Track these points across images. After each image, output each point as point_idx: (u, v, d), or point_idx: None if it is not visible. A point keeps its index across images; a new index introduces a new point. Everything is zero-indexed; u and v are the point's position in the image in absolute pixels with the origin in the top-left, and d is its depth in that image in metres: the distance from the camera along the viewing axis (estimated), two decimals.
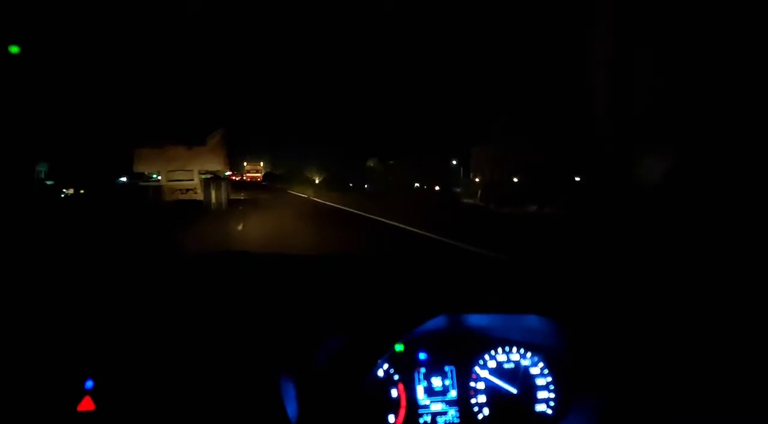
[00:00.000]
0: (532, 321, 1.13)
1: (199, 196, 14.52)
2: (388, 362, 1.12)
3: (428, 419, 1.14)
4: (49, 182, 17.93)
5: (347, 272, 1.38)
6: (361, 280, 1.27)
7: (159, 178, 14.29)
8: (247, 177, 61.19)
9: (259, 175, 61.22)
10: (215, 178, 15.38)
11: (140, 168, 14.15)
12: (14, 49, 10.48)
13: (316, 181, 38.52)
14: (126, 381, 0.95)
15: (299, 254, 1.58)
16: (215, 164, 14.86)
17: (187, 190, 14.57)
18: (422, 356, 1.16)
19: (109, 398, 0.95)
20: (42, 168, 18.73)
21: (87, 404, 0.95)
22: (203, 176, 14.80)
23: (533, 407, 1.17)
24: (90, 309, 1.04)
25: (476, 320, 1.16)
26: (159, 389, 0.94)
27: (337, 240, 8.51)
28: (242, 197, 25.22)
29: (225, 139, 16.25)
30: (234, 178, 67.13)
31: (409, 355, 1.16)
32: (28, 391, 0.92)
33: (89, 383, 0.95)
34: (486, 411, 1.16)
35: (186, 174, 14.31)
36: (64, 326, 1.00)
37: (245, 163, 66.09)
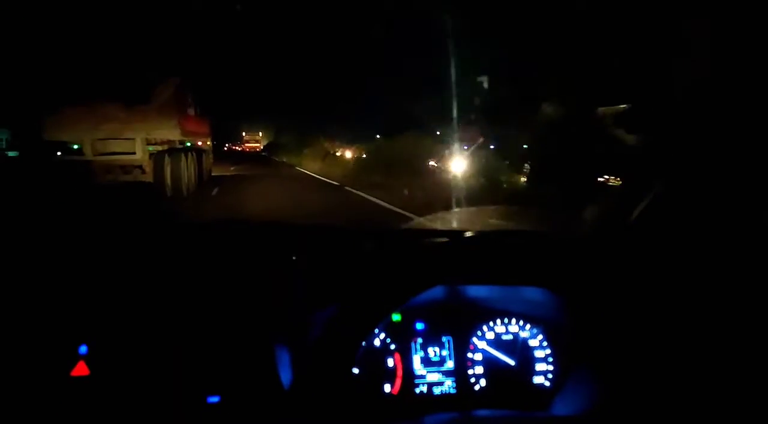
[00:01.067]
0: (532, 293, 1.20)
1: (148, 176, 11.05)
2: (384, 332, 1.21)
3: (424, 389, 1.22)
4: (11, 153, 14.26)
5: (344, 241, 1.45)
6: (358, 249, 1.35)
7: (82, 150, 10.69)
8: (246, 147, 64.18)
9: (258, 145, 64.03)
10: (174, 151, 12.00)
11: (54, 135, 10.55)
12: None
13: (347, 156, 28.74)
14: (120, 347, 1.04)
15: (296, 223, 1.71)
16: (169, 130, 11.57)
17: (128, 168, 11.03)
18: (419, 326, 1.24)
19: (103, 364, 1.03)
20: (2, 136, 15.25)
21: (81, 369, 1.02)
22: (152, 148, 11.28)
23: (531, 379, 1.25)
24: (84, 274, 1.13)
25: (475, 290, 1.24)
26: (153, 355, 1.03)
27: None
28: (231, 172, 22.04)
29: (184, 94, 13.07)
30: (235, 148, 63.12)
31: (406, 325, 1.23)
32: (22, 356, 1.01)
33: (83, 349, 1.03)
34: (483, 382, 1.24)
35: (124, 144, 10.90)
36: (58, 291, 1.08)
37: (243, 133, 68.32)
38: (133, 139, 10.50)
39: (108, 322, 1.06)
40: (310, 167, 25.81)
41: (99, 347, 1.04)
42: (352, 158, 27.31)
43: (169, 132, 11.30)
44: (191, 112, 14.03)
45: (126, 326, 1.05)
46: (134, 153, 10.56)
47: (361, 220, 9.21)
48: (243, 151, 59.06)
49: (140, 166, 10.74)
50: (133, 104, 10.28)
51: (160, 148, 11.08)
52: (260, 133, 66.91)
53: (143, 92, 10.46)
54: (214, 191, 12.82)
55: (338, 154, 29.72)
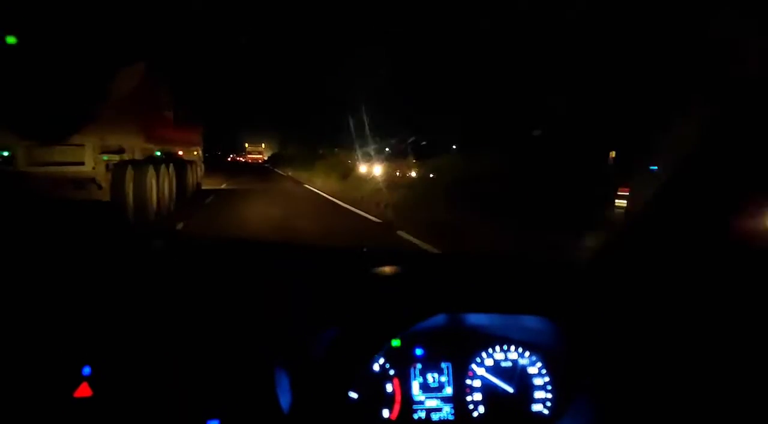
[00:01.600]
0: (531, 321, 1.27)
1: (105, 194, 8.45)
2: (384, 357, 1.28)
3: (423, 415, 1.28)
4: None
5: (347, 264, 1.50)
6: (361, 273, 1.40)
7: (13, 159, 8.07)
8: (249, 158, 65.58)
9: (261, 156, 66.31)
10: (138, 163, 9.48)
11: None
12: None
13: (376, 173, 20.35)
14: (123, 368, 1.09)
15: (299, 244, 1.77)
16: (132, 134, 9.13)
17: (81, 182, 8.28)
18: (419, 351, 1.30)
19: (106, 385, 1.08)
20: None
21: (84, 391, 1.06)
22: (108, 157, 8.59)
23: (529, 406, 1.31)
24: (88, 296, 1.18)
25: (475, 318, 1.31)
26: (155, 376, 1.09)
27: None
28: (222, 186, 19.55)
29: (156, 88, 10.64)
30: (239, 159, 62.20)
31: (406, 350, 1.29)
32: (25, 377, 1.06)
33: (86, 370, 1.08)
34: (481, 409, 1.30)
35: (71, 152, 8.19)
36: (62, 313, 1.14)
37: (246, 144, 69.99)
38: (82, 145, 8.32)
39: (111, 343, 1.11)
40: (325, 187, 19.94)
41: (102, 368, 1.09)
42: (400, 177, 20.90)
43: (133, 137, 8.89)
44: (167, 113, 11.31)
45: (128, 347, 1.11)
46: (83, 163, 8.35)
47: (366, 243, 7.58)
48: (246, 162, 61.28)
49: (94, 180, 8.49)
50: (83, 99, 7.96)
51: (117, 158, 8.65)
52: (263, 144, 69.25)
53: (97, 83, 8.11)
54: (190, 220, 10.27)
55: (364, 170, 22.30)
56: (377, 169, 20.27)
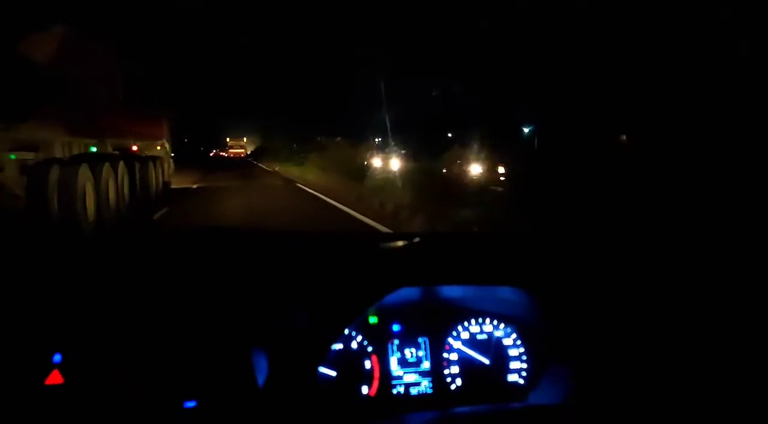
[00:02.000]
0: (505, 293, 1.29)
1: (18, 202, 6.20)
2: (361, 334, 1.27)
3: (401, 390, 1.28)
4: None
5: (316, 246, 1.49)
6: (330, 254, 1.40)
7: None
8: (231, 153, 64.36)
9: (243, 150, 65.04)
10: (67, 162, 7.07)
11: None
12: None
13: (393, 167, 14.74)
14: (94, 354, 1.06)
15: (270, 229, 1.81)
16: (52, 123, 6.65)
17: None
18: (396, 327, 1.30)
19: (78, 372, 1.05)
20: None
21: (55, 378, 1.03)
22: (18, 157, 6.31)
23: (505, 377, 1.33)
24: (58, 282, 1.15)
25: (450, 291, 1.32)
26: (128, 362, 1.06)
27: None
28: (194, 187, 15.85)
29: (93, 58, 8.01)
30: (222, 154, 61.48)
31: (383, 326, 1.29)
32: None
33: (57, 357, 1.05)
34: (459, 382, 1.31)
35: None
36: (32, 299, 1.10)
37: (228, 139, 68.66)
38: None
39: (82, 330, 1.08)
40: (332, 188, 13.93)
41: (73, 355, 1.05)
42: (477, 177, 13.58)
43: (50, 128, 6.55)
44: (113, 96, 8.96)
45: (100, 333, 1.08)
46: None
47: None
48: (228, 157, 60.87)
49: (3, 187, 6.29)
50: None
51: (32, 156, 6.35)
52: (245, 139, 68.71)
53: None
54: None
55: (377, 164, 17.11)
56: (394, 164, 14.99)
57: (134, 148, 10.60)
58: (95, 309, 1.09)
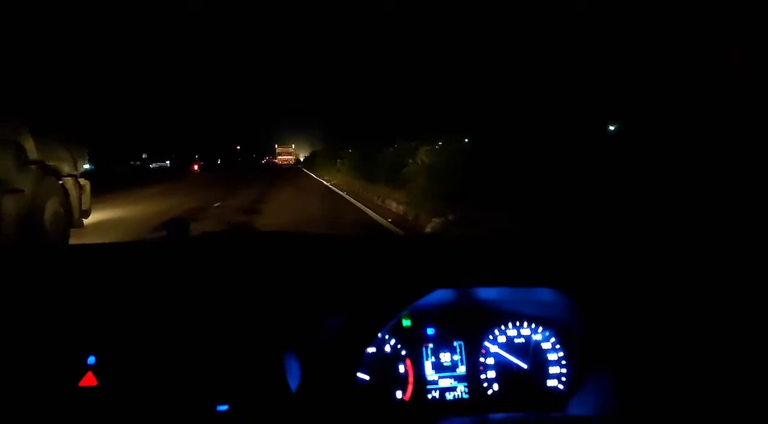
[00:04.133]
0: (543, 294, 1.26)
1: None
2: (395, 338, 1.27)
3: (436, 394, 1.27)
4: None
5: (350, 249, 1.49)
6: (362, 256, 1.41)
7: None
8: (279, 160, 65.36)
9: (291, 158, 66.35)
10: None
11: None
12: None
13: None
14: (128, 357, 1.08)
15: (303, 232, 1.68)
16: None
17: None
18: (430, 331, 1.29)
19: (112, 374, 1.07)
20: None
21: (89, 380, 1.06)
22: None
23: (544, 382, 1.30)
24: (93, 285, 1.17)
25: (485, 293, 1.30)
26: (162, 364, 1.08)
27: None
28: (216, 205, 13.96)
29: None
30: (274, 161, 63.55)
31: (417, 330, 1.29)
32: (30, 367, 1.05)
33: (91, 359, 1.07)
34: (495, 387, 1.28)
35: None
36: (67, 302, 1.13)
37: (276, 146, 71.04)
38: None
39: (116, 332, 1.10)
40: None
41: (107, 357, 1.07)
42: None
43: None
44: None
45: (134, 335, 1.10)
46: None
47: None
48: (277, 164, 62.78)
49: None
50: None
51: None
52: (293, 146, 71.87)
53: None
54: None
55: None
56: None
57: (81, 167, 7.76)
58: (129, 312, 1.12)
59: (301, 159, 64.35)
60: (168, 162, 71.04)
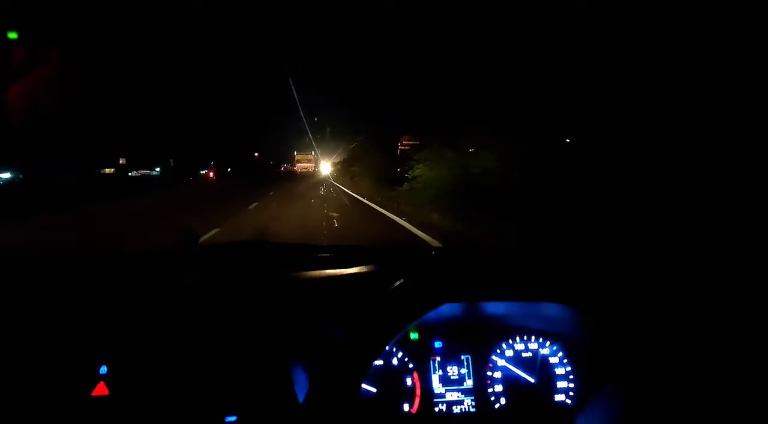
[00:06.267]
0: (551, 309, 1.25)
1: None
2: (402, 351, 1.26)
3: (443, 408, 1.26)
4: None
5: (357, 260, 1.47)
6: (371, 269, 1.39)
7: None
8: (299, 168, 64.12)
9: (311, 165, 65.36)
10: None
11: None
12: None
13: None
14: (139, 367, 1.09)
15: (313, 244, 1.70)
16: None
17: None
18: (438, 344, 1.29)
19: (123, 384, 1.08)
20: None
21: (101, 390, 1.07)
22: None
23: (552, 397, 1.29)
24: (105, 296, 1.18)
25: (493, 307, 1.29)
26: (172, 375, 1.09)
27: None
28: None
29: None
30: (294, 169, 62.82)
31: (425, 343, 1.28)
32: (44, 377, 1.07)
33: (103, 369, 1.09)
34: (503, 401, 1.28)
35: None
36: (80, 313, 1.14)
37: (295, 153, 71.35)
38: None
39: (127, 343, 1.11)
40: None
41: (118, 367, 1.09)
42: None
43: None
44: None
45: (145, 346, 1.11)
46: None
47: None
48: (297, 172, 61.07)
49: None
50: None
51: None
52: (312, 153, 71.13)
53: None
54: None
55: None
56: None
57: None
58: (140, 324, 1.13)
59: (328, 171, 54.20)
60: (158, 170, 58.04)
